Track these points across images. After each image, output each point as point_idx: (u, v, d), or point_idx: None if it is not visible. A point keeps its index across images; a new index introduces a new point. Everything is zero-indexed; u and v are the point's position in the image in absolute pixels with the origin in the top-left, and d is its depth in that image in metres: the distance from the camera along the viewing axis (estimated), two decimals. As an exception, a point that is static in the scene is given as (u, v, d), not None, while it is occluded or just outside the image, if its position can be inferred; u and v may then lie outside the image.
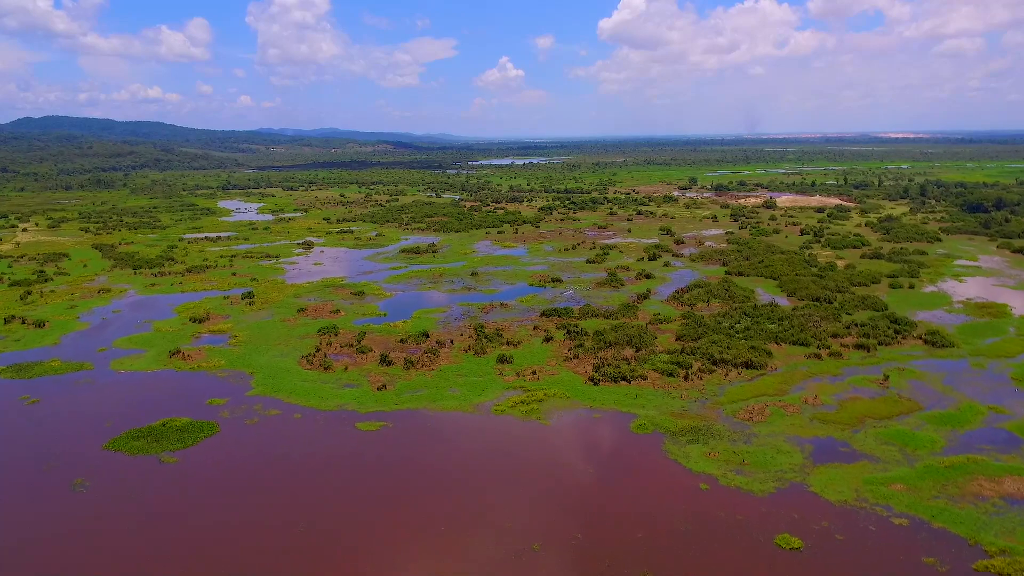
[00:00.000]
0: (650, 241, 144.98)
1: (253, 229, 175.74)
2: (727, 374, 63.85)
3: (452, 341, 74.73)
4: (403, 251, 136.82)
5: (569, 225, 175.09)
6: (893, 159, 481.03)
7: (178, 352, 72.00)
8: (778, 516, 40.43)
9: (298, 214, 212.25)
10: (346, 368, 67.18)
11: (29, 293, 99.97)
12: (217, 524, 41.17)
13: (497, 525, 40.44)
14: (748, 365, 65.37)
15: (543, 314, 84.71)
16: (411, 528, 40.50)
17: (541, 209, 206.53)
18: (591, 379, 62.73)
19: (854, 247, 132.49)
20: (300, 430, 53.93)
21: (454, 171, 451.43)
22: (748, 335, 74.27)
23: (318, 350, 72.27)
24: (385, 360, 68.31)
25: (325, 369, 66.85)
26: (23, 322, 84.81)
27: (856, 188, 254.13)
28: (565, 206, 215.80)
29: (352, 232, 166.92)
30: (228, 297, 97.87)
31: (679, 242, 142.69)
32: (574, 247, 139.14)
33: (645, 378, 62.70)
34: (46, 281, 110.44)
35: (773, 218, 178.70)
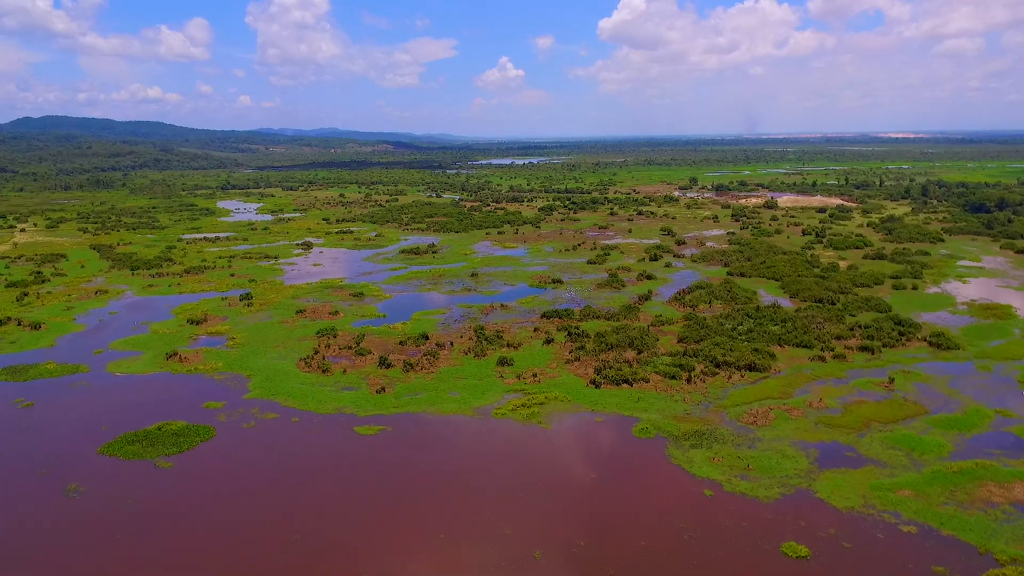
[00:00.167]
0: (651, 242, 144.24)
1: (252, 229, 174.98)
2: (730, 377, 63.10)
3: (452, 343, 73.97)
4: (403, 252, 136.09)
5: (569, 225, 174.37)
6: (894, 159, 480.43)
7: (175, 354, 71.25)
8: (784, 523, 39.68)
9: (297, 214, 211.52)
10: (345, 371, 66.42)
11: (26, 294, 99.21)
12: (212, 531, 40.40)
13: (498, 532, 39.69)
14: (751, 368, 64.63)
15: (544, 316, 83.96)
16: (410, 535, 39.75)
17: (541, 209, 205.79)
18: (592, 382, 61.98)
19: (856, 248, 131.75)
20: (298, 434, 53.18)
21: (454, 171, 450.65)
22: (751, 337, 73.52)
23: (316, 352, 71.52)
24: (384, 362, 67.56)
25: (323, 372, 66.09)
26: (19, 324, 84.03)
27: (857, 188, 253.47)
28: (565, 206, 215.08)
29: (351, 232, 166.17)
30: (226, 298, 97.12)
31: (680, 243, 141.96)
32: (575, 248, 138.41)
33: (647, 381, 61.95)
34: (43, 282, 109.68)
35: (774, 218, 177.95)
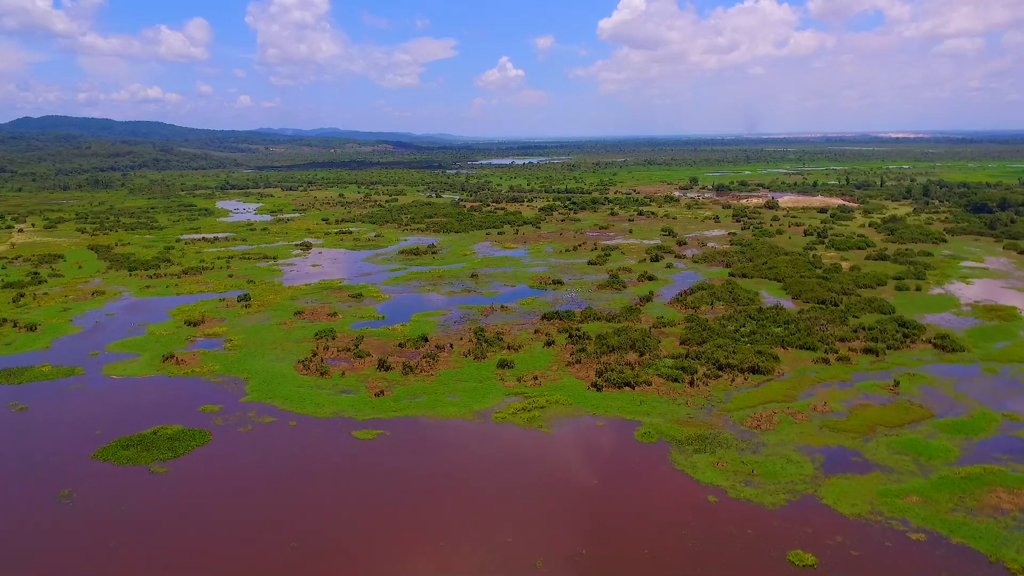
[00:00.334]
0: (652, 242, 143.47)
1: (251, 230, 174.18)
2: (733, 380, 62.31)
3: (451, 345, 73.19)
4: (402, 252, 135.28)
5: (570, 226, 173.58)
6: (894, 159, 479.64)
7: (172, 356, 70.47)
8: (790, 531, 38.91)
9: (297, 214, 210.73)
10: (343, 373, 65.64)
11: (22, 295, 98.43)
12: (206, 538, 39.62)
13: (498, 540, 38.91)
14: (755, 370, 63.83)
15: (544, 317, 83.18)
16: (408, 543, 38.97)
17: (541, 209, 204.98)
18: (594, 385, 61.18)
19: (858, 248, 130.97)
20: (295, 439, 52.38)
21: (454, 171, 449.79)
22: (754, 339, 72.75)
23: (315, 354, 70.72)
24: (383, 365, 66.77)
25: (322, 374, 65.29)
26: (15, 325, 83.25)
27: (858, 188, 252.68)
28: (566, 206, 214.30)
29: (351, 233, 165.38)
30: (224, 299, 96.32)
31: (681, 243, 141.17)
32: (575, 248, 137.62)
33: (649, 384, 61.17)
34: (40, 283, 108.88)
35: (776, 219, 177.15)
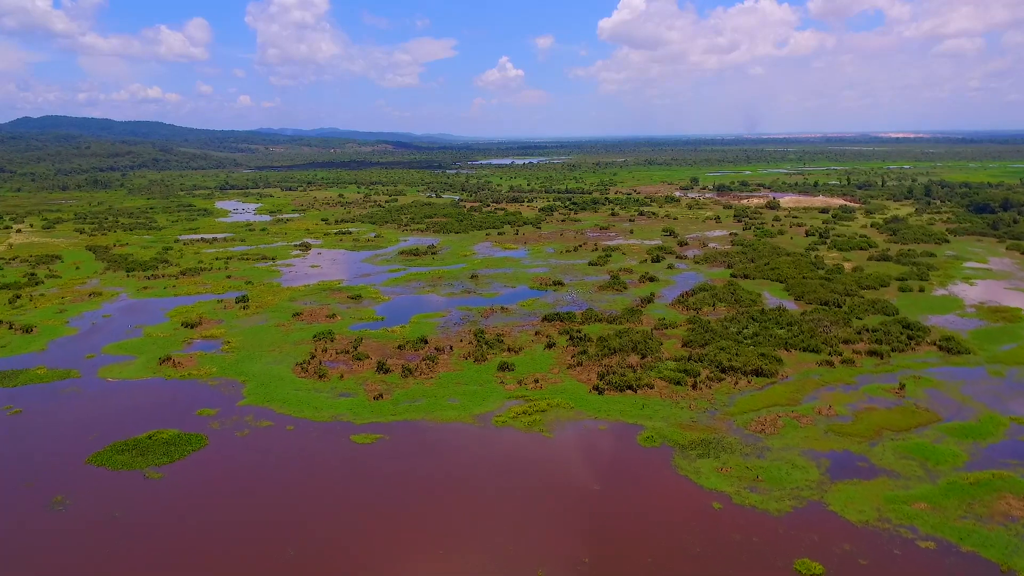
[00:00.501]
0: (653, 243, 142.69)
1: (250, 230, 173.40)
2: (736, 383, 61.52)
3: (451, 347, 72.42)
4: (402, 253, 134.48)
5: (570, 226, 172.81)
6: (895, 159, 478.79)
7: (168, 359, 69.68)
8: (797, 538, 38.14)
9: (296, 215, 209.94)
10: (342, 376, 64.87)
11: (18, 296, 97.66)
12: (201, 546, 38.83)
13: (499, 547, 38.14)
14: (758, 373, 63.05)
15: (545, 319, 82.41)
16: (407, 550, 38.20)
17: (542, 210, 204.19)
18: (595, 388, 60.41)
19: (861, 249, 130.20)
20: (292, 443, 51.60)
21: (454, 171, 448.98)
22: (757, 341, 72.00)
23: (313, 357, 69.93)
24: (382, 368, 65.99)
25: (320, 377, 64.52)
26: (10, 327, 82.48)
27: (859, 188, 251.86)
28: (566, 207, 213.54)
29: (350, 233, 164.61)
30: (222, 301, 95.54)
31: (682, 244, 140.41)
32: (575, 249, 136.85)
33: (652, 387, 60.39)
34: (36, 284, 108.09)
35: (777, 219, 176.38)
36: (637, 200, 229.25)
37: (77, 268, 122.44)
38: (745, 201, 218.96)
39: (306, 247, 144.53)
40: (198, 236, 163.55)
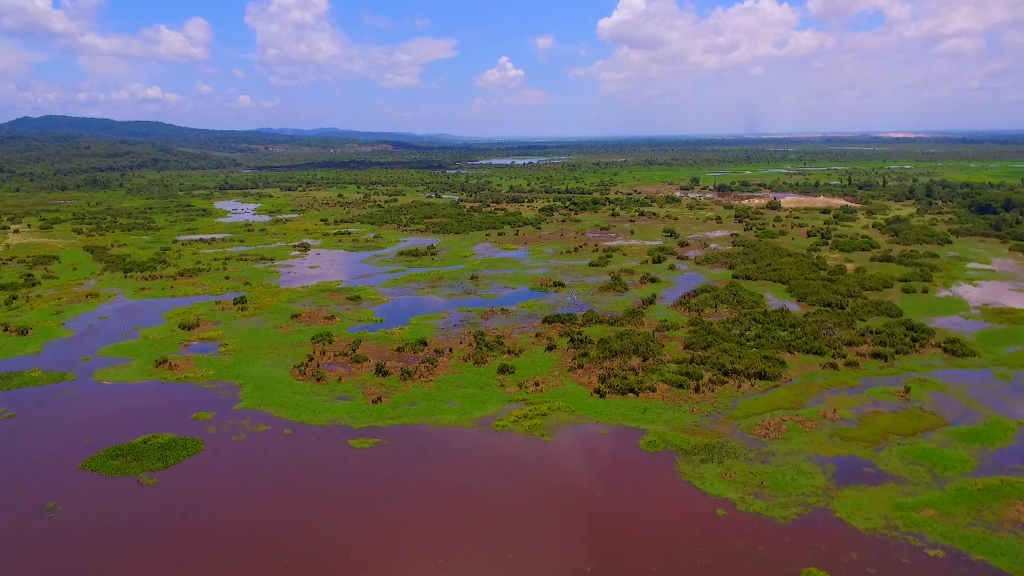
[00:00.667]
0: (654, 243, 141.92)
1: (249, 231, 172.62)
2: (739, 386, 60.76)
3: (451, 350, 71.65)
4: (401, 253, 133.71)
5: (570, 226, 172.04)
6: (895, 159, 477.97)
7: (165, 361, 68.90)
8: (803, 546, 37.36)
9: (295, 215, 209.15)
10: (340, 379, 64.11)
11: (15, 298, 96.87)
12: (196, 553, 38.04)
13: (500, 556, 37.36)
14: (761, 376, 62.29)
15: (545, 320, 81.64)
16: (406, 558, 37.43)
17: (542, 210, 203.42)
18: (597, 391, 59.64)
19: (863, 249, 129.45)
20: (289, 448, 50.82)
21: (454, 171, 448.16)
22: (759, 343, 71.24)
23: (311, 359, 69.15)
24: (381, 370, 65.22)
25: (318, 380, 63.75)
26: (6, 328, 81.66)
27: (860, 188, 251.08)
28: (566, 207, 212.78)
29: (350, 234, 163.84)
30: (220, 302, 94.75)
31: (683, 244, 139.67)
32: (576, 249, 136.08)
33: (654, 390, 59.62)
34: (33, 285, 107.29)
35: (778, 219, 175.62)
36: (637, 200, 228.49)
37: (74, 269, 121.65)
38: (746, 201, 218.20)
39: (305, 248, 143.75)
40: (196, 236, 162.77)
